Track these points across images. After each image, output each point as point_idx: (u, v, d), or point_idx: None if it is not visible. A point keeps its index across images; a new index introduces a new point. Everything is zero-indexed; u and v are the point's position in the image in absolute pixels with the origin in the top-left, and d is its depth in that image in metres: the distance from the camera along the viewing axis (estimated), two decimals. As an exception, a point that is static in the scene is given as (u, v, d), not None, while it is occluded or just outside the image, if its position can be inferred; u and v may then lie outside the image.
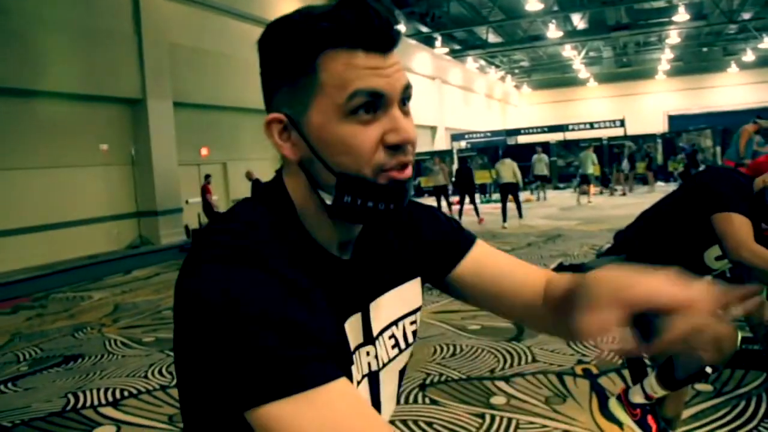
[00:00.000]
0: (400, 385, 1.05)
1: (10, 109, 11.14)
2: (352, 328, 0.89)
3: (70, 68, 11.86)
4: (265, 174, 17.00)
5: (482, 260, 1.05)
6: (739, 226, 2.30)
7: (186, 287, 0.75)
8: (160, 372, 4.59)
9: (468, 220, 13.56)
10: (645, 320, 0.74)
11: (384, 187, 0.80)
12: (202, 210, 13.93)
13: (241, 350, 0.68)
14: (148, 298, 7.38)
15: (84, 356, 5.20)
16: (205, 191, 13.91)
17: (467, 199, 14.30)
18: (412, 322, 1.02)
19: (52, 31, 11.60)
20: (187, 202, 14.96)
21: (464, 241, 1.07)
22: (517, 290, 1.02)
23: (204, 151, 15.81)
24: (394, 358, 0.99)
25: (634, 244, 2.63)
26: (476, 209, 14.27)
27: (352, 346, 0.89)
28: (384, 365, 0.97)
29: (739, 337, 2.20)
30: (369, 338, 0.93)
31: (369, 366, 0.94)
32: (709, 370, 2.37)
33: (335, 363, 0.74)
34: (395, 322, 0.99)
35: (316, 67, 0.77)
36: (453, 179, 15.52)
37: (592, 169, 17.47)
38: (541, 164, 18.76)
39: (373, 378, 0.95)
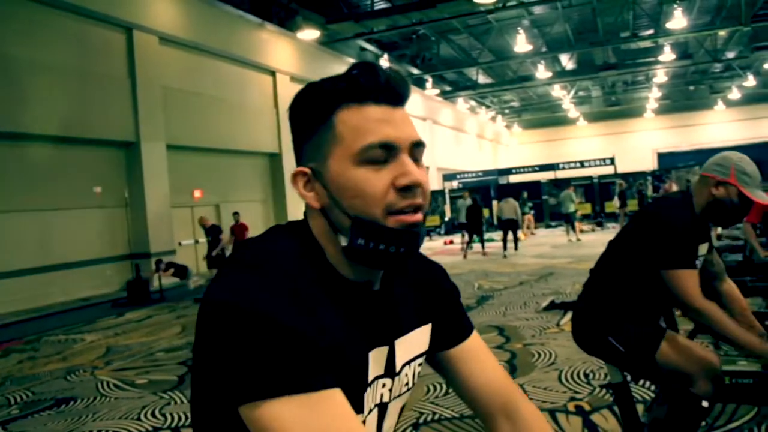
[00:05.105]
0: (397, 421, 1.11)
1: (3, 152, 11.24)
2: (376, 358, 0.96)
3: (64, 111, 11.99)
4: (256, 216, 17.06)
5: (471, 354, 1.14)
6: (685, 281, 2.31)
7: (206, 293, 0.84)
8: (153, 414, 4.57)
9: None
10: None
11: (394, 231, 0.88)
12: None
13: (248, 348, 0.76)
14: (140, 340, 7.34)
15: (76, 399, 5.17)
16: (239, 231, 11.96)
17: (473, 236, 15.77)
18: (420, 364, 1.10)
19: (47, 74, 11.77)
20: (180, 244, 14.97)
21: (466, 327, 1.16)
22: (481, 398, 1.12)
23: (197, 194, 15.89)
24: (403, 394, 1.06)
25: (605, 272, 2.62)
26: (482, 244, 15.80)
27: (372, 376, 0.95)
28: (394, 398, 1.03)
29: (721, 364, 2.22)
30: (390, 372, 1.00)
31: (381, 397, 1.00)
32: (705, 403, 2.35)
33: (349, 385, 0.82)
34: (409, 362, 1.05)
35: (334, 120, 0.89)
36: (465, 216, 15.97)
37: (573, 207, 17.75)
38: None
39: (382, 408, 1.01)
